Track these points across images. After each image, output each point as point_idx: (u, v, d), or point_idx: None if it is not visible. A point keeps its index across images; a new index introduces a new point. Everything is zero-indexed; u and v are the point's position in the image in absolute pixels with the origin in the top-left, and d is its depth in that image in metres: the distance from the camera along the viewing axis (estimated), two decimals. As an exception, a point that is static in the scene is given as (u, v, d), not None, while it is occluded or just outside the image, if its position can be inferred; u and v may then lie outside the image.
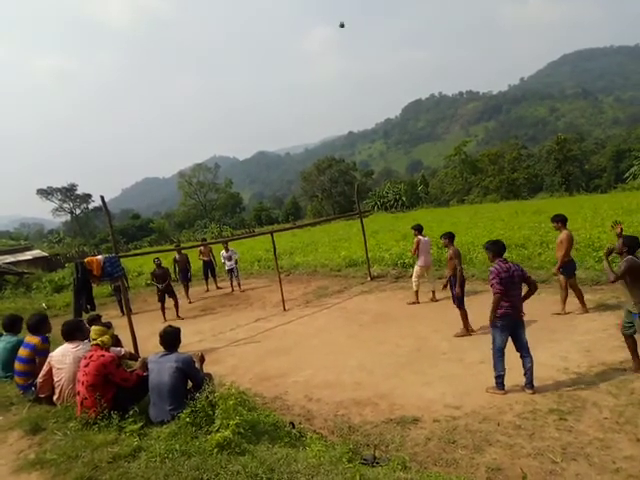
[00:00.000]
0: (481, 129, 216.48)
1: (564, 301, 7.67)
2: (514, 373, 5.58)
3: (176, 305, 11.88)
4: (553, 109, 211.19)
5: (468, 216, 25.60)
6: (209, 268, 15.22)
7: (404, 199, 53.79)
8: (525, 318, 6.58)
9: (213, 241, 20.10)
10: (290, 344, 8.27)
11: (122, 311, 12.66)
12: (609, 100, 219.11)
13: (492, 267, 5.35)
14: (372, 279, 12.98)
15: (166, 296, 11.70)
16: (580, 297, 7.68)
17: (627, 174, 41.35)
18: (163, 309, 11.66)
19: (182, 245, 16.40)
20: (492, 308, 5.23)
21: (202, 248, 14.96)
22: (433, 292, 9.97)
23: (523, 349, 5.26)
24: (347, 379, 6.28)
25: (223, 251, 14.34)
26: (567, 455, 3.87)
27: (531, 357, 5.22)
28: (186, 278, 13.80)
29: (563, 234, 7.69)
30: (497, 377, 5.28)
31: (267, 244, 17.74)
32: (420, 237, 9.94)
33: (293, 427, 4.73)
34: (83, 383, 4.29)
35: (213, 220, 66.25)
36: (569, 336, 6.59)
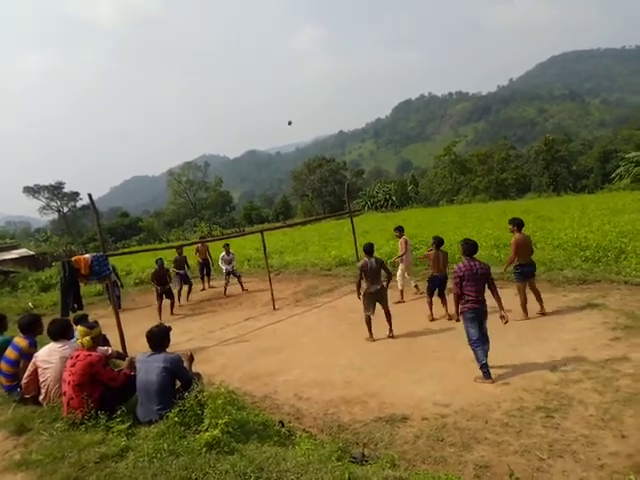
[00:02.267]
0: (470, 129, 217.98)
1: (523, 306, 7.64)
2: (501, 371, 5.65)
3: (172, 305, 11.99)
4: (541, 110, 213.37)
5: (457, 216, 25.76)
6: (205, 267, 15.15)
7: (394, 199, 53.93)
8: (512, 317, 6.71)
9: (210, 238, 19.88)
10: (280, 343, 8.26)
11: (118, 306, 12.68)
12: (596, 102, 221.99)
13: (456, 266, 5.85)
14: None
15: (164, 296, 11.71)
16: (539, 299, 7.74)
17: (613, 175, 41.78)
18: (160, 309, 11.61)
19: (180, 243, 16.26)
20: (455, 304, 5.88)
21: (199, 247, 14.89)
22: (416, 286, 10.45)
23: (484, 337, 5.74)
24: (337, 378, 6.29)
25: (224, 253, 13.79)
26: (554, 452, 3.92)
27: (489, 344, 5.72)
28: (181, 279, 13.43)
29: (514, 238, 7.76)
30: (482, 366, 5.55)
31: (257, 243, 17.71)
32: (405, 237, 10.27)
33: (282, 426, 4.73)
34: (69, 383, 4.24)
35: (203, 219, 65.86)
36: (556, 335, 6.66)
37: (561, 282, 9.34)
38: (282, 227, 25.57)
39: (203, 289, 15.04)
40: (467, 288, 5.66)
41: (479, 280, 5.68)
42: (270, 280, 11.49)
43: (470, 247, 5.90)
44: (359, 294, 7.66)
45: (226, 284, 13.74)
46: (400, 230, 10.45)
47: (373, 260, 7.52)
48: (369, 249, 7.65)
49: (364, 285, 7.56)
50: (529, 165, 56.39)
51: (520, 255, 7.66)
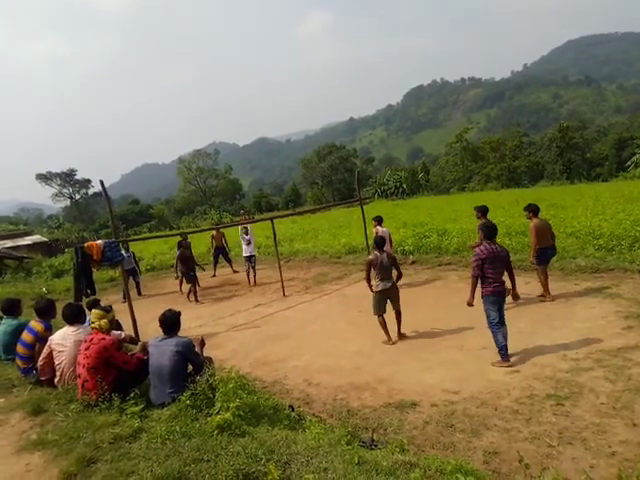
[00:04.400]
0: (483, 116, 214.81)
1: (545, 287, 7.79)
2: (512, 359, 5.64)
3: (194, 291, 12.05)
4: (556, 96, 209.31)
5: (469, 204, 25.49)
6: (221, 254, 15.20)
7: (405, 186, 53.55)
8: (524, 305, 6.72)
9: (221, 225, 19.85)
10: (290, 329, 8.31)
11: (139, 293, 12.93)
12: (612, 88, 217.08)
13: (477, 249, 5.81)
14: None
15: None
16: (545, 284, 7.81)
17: (629, 162, 41.11)
18: (195, 293, 11.79)
19: (191, 230, 16.36)
20: (471, 288, 5.86)
21: (214, 233, 14.98)
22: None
23: (501, 320, 5.77)
24: (346, 364, 6.32)
25: (242, 234, 13.03)
26: (563, 439, 3.92)
27: (506, 326, 5.76)
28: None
29: (532, 224, 7.83)
30: (500, 349, 5.61)
31: (267, 231, 17.73)
32: (379, 227, 10.08)
33: (292, 410, 4.78)
34: (84, 366, 4.31)
35: (213, 206, 66.06)
36: (568, 323, 6.61)
37: (574, 270, 9.24)
38: (292, 215, 25.53)
39: (214, 275, 15.15)
40: (488, 271, 5.70)
41: (500, 263, 5.74)
42: (280, 267, 11.53)
43: (491, 230, 5.92)
44: (371, 287, 7.09)
45: (247, 271, 12.91)
46: (378, 220, 10.27)
47: (384, 255, 6.92)
48: (381, 243, 7.06)
49: (373, 282, 7.03)
50: (542, 152, 55.61)
51: (540, 239, 7.68)
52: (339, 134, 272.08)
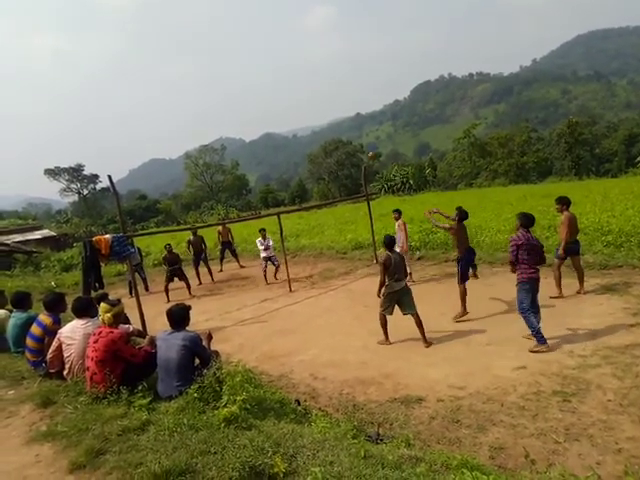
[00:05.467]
0: (491, 111, 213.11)
1: (558, 283, 7.76)
2: (518, 355, 5.62)
3: (188, 286, 12.21)
4: (565, 91, 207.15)
5: (476, 200, 25.37)
6: (227, 249, 15.34)
7: (412, 182, 53.28)
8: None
9: (228, 221, 19.91)
10: (296, 324, 8.34)
11: (146, 288, 13.04)
12: (622, 83, 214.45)
13: (513, 235, 5.98)
14: (378, 262, 12.98)
15: (175, 279, 11.99)
16: (581, 279, 7.80)
17: (639, 158, 40.67)
18: (167, 290, 11.87)
19: (199, 225, 16.53)
20: (512, 270, 6.05)
21: (220, 229, 15.07)
22: (410, 274, 9.87)
23: (536, 308, 6.01)
24: (352, 359, 6.34)
25: (260, 238, 12.92)
26: (570, 436, 3.91)
27: (540, 314, 6.01)
28: (199, 260, 13.79)
29: (564, 216, 7.76)
30: (536, 333, 5.71)
31: (273, 226, 17.74)
32: (402, 221, 10.23)
33: (299, 404, 4.80)
34: (92, 359, 4.36)
35: (219, 202, 66.20)
36: (576, 319, 6.58)
37: (582, 267, 9.17)
38: (298, 210, 25.61)
39: (220, 270, 15.21)
40: (523, 257, 5.86)
41: (534, 252, 5.89)
42: (286, 263, 11.56)
43: (528, 219, 6.05)
44: (380, 293, 6.76)
45: (264, 270, 12.65)
46: (398, 212, 10.44)
47: (396, 254, 6.70)
48: (390, 242, 6.80)
49: (388, 283, 6.66)
50: (551, 148, 55.06)
51: (571, 232, 7.68)
52: (345, 129, 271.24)
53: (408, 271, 9.47)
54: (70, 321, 5.13)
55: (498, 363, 5.54)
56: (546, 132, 65.52)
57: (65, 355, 4.87)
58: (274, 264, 12.69)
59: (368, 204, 13.68)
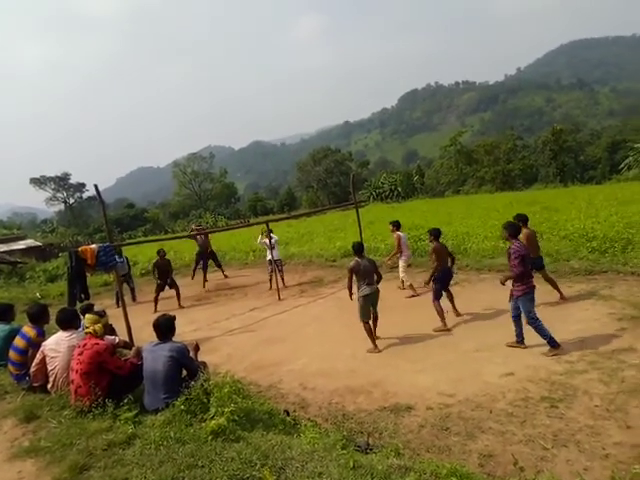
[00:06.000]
0: (477, 119, 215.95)
1: (557, 289, 7.81)
2: (506, 361, 5.65)
3: (178, 295, 11.80)
4: (549, 99, 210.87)
5: (463, 207, 25.62)
6: (211, 259, 14.72)
7: (400, 190, 53.71)
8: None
9: (216, 229, 19.70)
10: (285, 333, 8.30)
11: (118, 302, 12.53)
12: (605, 91, 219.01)
13: (512, 246, 5.92)
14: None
15: (166, 287, 11.67)
16: (555, 287, 7.89)
17: (622, 165, 41.40)
18: (157, 300, 11.58)
19: (184, 234, 16.11)
20: (514, 282, 5.95)
21: (198, 238, 14.77)
22: (411, 284, 9.84)
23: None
24: (341, 367, 6.32)
25: (265, 239, 12.15)
26: (558, 442, 3.93)
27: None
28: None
29: (522, 233, 7.67)
30: (549, 340, 5.73)
31: (262, 234, 17.71)
32: (399, 233, 10.13)
33: (288, 415, 4.76)
34: (77, 371, 4.29)
35: (208, 210, 65.94)
36: (562, 325, 6.63)
37: (567, 273, 9.29)
38: (287, 218, 25.60)
39: (205, 281, 14.81)
40: (525, 267, 5.87)
41: (529, 260, 5.97)
42: (275, 271, 11.51)
43: (514, 229, 6.13)
44: (351, 295, 7.17)
45: (270, 274, 11.95)
46: (396, 225, 10.21)
47: (365, 260, 6.98)
48: (359, 248, 7.11)
49: (357, 287, 6.97)
50: (536, 156, 55.88)
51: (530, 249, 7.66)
52: (334, 137, 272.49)
53: (408, 283, 9.80)
54: (54, 333, 5.06)
55: (487, 369, 5.56)
56: (531, 140, 66.52)
57: (49, 368, 4.79)
58: (280, 271, 12.15)
59: (357, 212, 13.71)
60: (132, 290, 13.22)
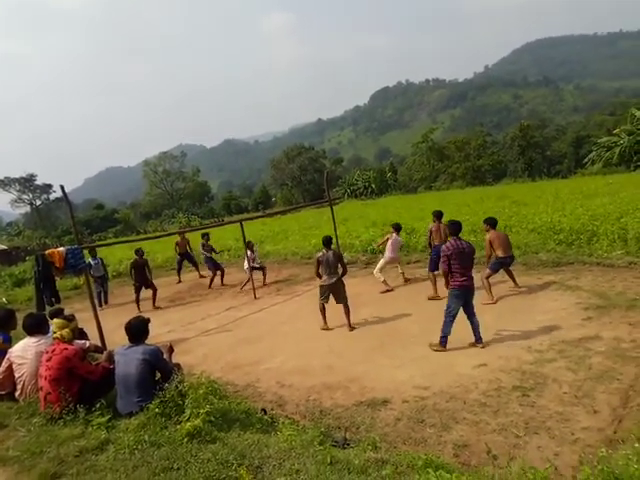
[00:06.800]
0: (447, 116, 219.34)
1: (489, 290, 7.87)
2: (479, 352, 5.77)
3: (154, 296, 11.59)
4: (516, 96, 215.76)
5: (436, 202, 26.02)
6: (186, 259, 14.96)
7: (373, 186, 54.24)
8: (488, 301, 6.93)
9: (189, 229, 19.42)
10: (261, 332, 8.26)
11: (101, 304, 12.30)
12: (569, 88, 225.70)
13: (443, 245, 6.13)
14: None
15: (142, 288, 11.47)
16: (512, 277, 8.27)
17: (586, 160, 42.79)
18: (138, 301, 11.41)
19: (157, 234, 15.92)
20: (445, 281, 6.20)
21: (179, 239, 14.71)
22: (402, 273, 10.33)
23: (471, 313, 6.10)
24: (319, 364, 6.33)
25: (249, 252, 12.05)
26: (529, 429, 4.04)
27: (476, 318, 6.06)
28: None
29: (487, 236, 8.10)
30: (443, 337, 6.00)
31: (236, 233, 17.58)
32: (395, 236, 10.08)
33: (265, 413, 4.74)
34: (46, 378, 4.16)
35: (181, 210, 64.97)
36: (532, 316, 6.83)
37: (536, 265, 9.56)
38: (262, 217, 25.39)
39: (179, 282, 14.83)
40: (455, 266, 5.94)
41: (466, 259, 5.98)
42: (251, 270, 11.44)
43: (456, 227, 6.18)
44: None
45: (247, 281, 11.67)
46: (396, 228, 10.25)
47: (330, 253, 7.62)
48: (326, 241, 7.77)
49: (321, 276, 7.76)
50: (505, 151, 57.23)
51: (501, 249, 7.89)
52: (308, 135, 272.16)
53: (380, 280, 9.94)
54: (22, 339, 4.89)
55: (460, 361, 5.67)
56: (500, 136, 68.05)
57: (16, 375, 4.63)
58: (262, 268, 12.60)
59: (331, 209, 13.74)
60: (105, 293, 12.92)
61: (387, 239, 10.16)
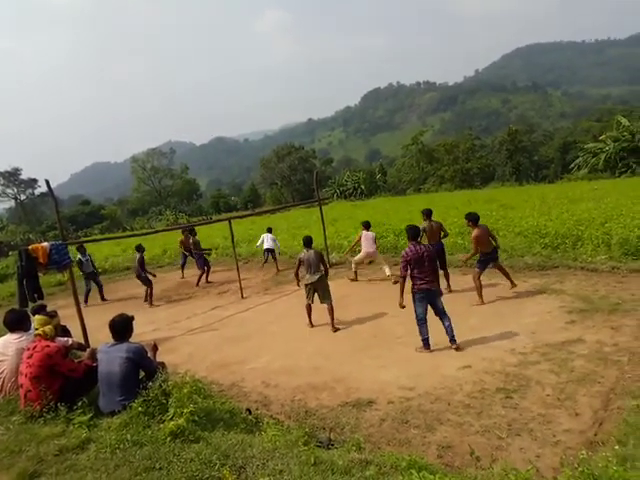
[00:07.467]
0: (437, 119, 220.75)
1: (479, 293, 7.85)
2: (463, 354, 5.81)
3: (147, 294, 11.60)
4: (505, 101, 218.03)
5: (424, 204, 26.07)
6: (190, 256, 14.74)
7: (363, 187, 54.32)
8: (472, 303, 6.98)
9: (177, 226, 19.27)
10: (248, 331, 8.22)
11: (87, 300, 12.27)
12: (557, 94, 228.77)
13: (403, 251, 6.25)
14: (331, 266, 13.05)
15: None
16: (507, 277, 8.26)
17: (572, 165, 43.38)
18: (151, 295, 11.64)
19: (145, 231, 15.82)
20: (400, 289, 6.32)
21: (183, 239, 14.68)
22: (355, 272, 11.03)
23: (441, 313, 6.15)
24: (305, 364, 6.32)
25: (269, 235, 14.52)
26: (512, 431, 4.07)
27: (448, 318, 6.11)
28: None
29: (473, 233, 7.98)
30: (423, 340, 6.09)
31: (225, 231, 17.48)
32: (365, 232, 10.85)
33: (250, 413, 4.72)
34: (26, 375, 4.09)
35: (168, 207, 64.37)
36: (516, 319, 6.89)
37: (522, 268, 9.65)
38: (250, 215, 25.30)
39: (182, 277, 14.83)
40: (415, 270, 6.07)
41: (425, 262, 6.04)
42: (238, 268, 11.39)
43: (414, 231, 6.33)
44: (298, 282, 8.13)
45: (265, 262, 14.58)
46: (365, 226, 11.08)
47: (311, 252, 7.75)
48: (307, 241, 7.94)
49: (303, 276, 7.87)
50: (493, 155, 57.68)
51: (482, 246, 7.89)
52: (298, 135, 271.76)
53: (353, 269, 10.85)
54: (2, 336, 4.81)
55: (445, 363, 5.70)
56: (488, 140, 68.51)
57: (-4, 373, 4.54)
58: (273, 257, 14.30)
59: (320, 209, 13.75)
60: (88, 291, 12.75)
61: (359, 237, 10.83)
